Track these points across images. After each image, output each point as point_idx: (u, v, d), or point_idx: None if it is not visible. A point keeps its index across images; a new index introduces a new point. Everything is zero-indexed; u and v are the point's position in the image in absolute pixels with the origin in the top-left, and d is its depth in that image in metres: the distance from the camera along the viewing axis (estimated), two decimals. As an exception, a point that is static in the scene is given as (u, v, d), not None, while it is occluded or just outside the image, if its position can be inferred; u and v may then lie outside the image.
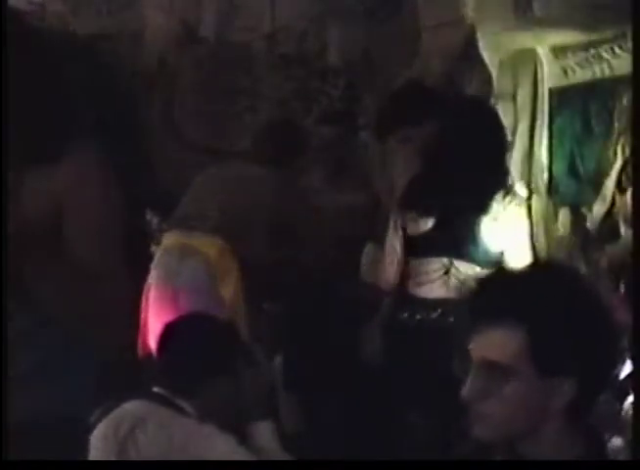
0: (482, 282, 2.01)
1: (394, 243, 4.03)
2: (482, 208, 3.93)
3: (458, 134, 3.95)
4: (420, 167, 4.05)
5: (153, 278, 4.52)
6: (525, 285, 1.93)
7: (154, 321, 4.33)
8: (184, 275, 4.44)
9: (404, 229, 4.02)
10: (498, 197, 3.95)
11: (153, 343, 4.13)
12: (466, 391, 1.90)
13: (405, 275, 4.00)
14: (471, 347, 1.92)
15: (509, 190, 4.00)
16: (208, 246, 4.47)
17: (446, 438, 3.38)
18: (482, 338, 1.90)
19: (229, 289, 4.43)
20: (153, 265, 4.55)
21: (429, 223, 3.98)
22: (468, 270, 3.91)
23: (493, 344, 1.89)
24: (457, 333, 2.02)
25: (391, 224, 4.06)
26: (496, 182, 3.98)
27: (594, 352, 1.90)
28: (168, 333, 3.32)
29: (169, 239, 4.60)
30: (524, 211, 4.06)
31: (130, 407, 3.07)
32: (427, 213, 3.97)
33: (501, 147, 4.08)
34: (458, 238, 3.95)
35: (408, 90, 4.45)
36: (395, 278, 4.00)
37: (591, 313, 1.92)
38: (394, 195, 4.18)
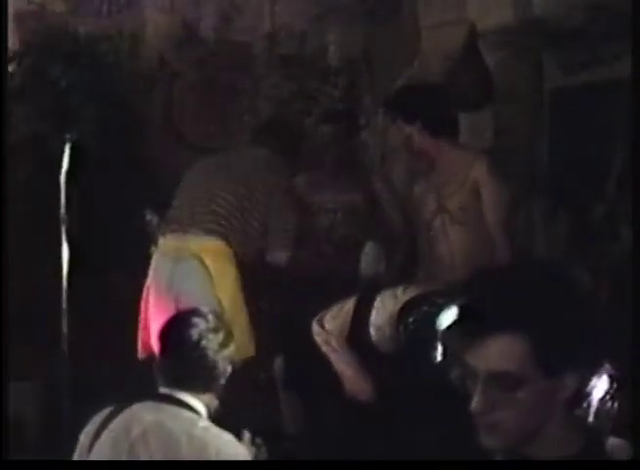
0: (467, 291, 1.92)
1: None
2: None
3: None
4: None
5: (151, 281, 4.52)
6: (509, 287, 1.87)
7: (154, 324, 4.33)
8: (180, 278, 4.44)
9: None
10: None
11: (155, 344, 4.13)
12: (476, 404, 1.85)
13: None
14: (471, 360, 1.87)
15: None
16: (204, 248, 4.46)
17: (446, 439, 3.38)
18: (484, 350, 1.85)
19: (226, 290, 4.42)
20: (151, 268, 4.55)
21: None
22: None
23: (498, 354, 1.84)
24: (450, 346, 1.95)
25: None
26: None
27: (586, 341, 1.88)
28: (168, 330, 3.31)
29: (165, 241, 4.59)
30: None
31: (140, 409, 3.06)
32: None
33: None
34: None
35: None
36: None
37: (574, 300, 1.89)
38: None
